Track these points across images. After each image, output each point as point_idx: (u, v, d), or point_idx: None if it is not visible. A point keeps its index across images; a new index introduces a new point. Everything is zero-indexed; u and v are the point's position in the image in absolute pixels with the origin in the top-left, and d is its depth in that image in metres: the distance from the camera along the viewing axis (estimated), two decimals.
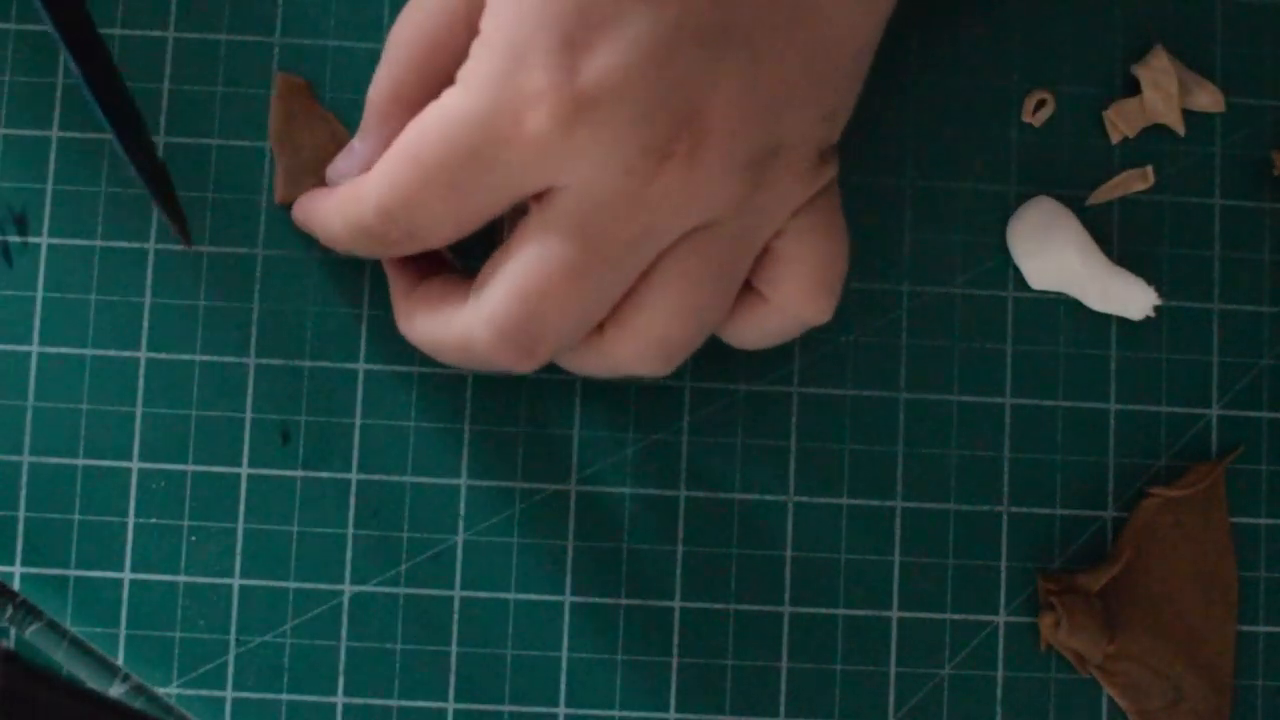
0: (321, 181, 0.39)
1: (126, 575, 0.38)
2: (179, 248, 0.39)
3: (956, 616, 0.39)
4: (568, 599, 0.39)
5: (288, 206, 0.39)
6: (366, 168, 0.35)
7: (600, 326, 0.34)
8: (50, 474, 0.38)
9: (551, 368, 0.39)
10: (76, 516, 0.38)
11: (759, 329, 0.35)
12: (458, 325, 0.34)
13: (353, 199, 0.34)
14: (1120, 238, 0.40)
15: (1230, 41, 0.41)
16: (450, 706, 0.38)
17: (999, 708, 0.39)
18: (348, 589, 0.38)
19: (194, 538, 0.38)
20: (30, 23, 0.39)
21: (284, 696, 0.38)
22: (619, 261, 0.32)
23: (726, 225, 0.32)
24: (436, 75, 0.33)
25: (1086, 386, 0.40)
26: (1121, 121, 0.40)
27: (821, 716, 0.38)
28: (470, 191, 0.32)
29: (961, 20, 0.41)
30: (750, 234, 0.33)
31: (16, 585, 0.38)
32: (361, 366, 0.39)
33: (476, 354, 0.34)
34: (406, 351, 0.39)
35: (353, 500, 0.39)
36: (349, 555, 0.38)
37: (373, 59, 0.39)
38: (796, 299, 0.34)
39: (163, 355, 0.39)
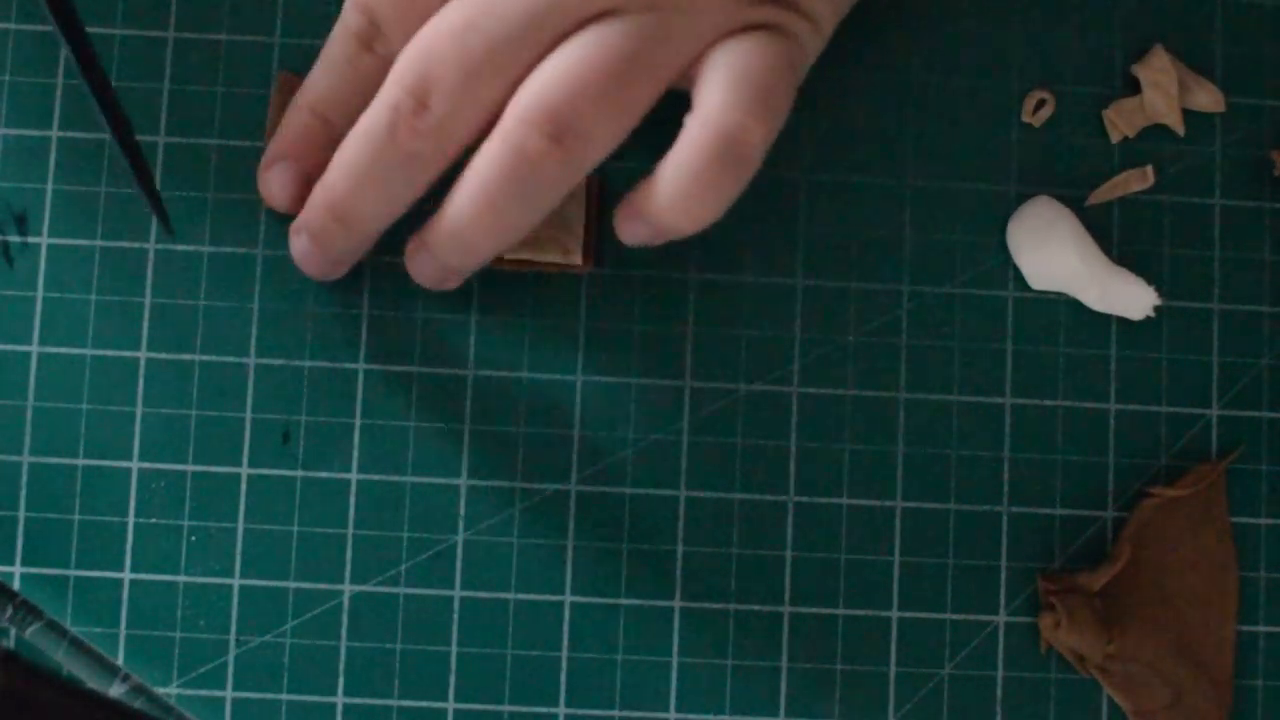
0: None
1: (126, 575, 0.38)
2: (179, 247, 0.39)
3: (956, 616, 0.39)
4: (568, 599, 0.39)
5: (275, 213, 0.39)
6: None
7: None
8: (50, 474, 0.38)
9: (550, 367, 0.39)
10: (76, 516, 0.38)
11: (686, 149, 0.33)
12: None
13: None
14: (1120, 238, 0.40)
15: (1230, 41, 0.41)
16: (450, 706, 0.38)
17: (999, 708, 0.39)
18: (348, 589, 0.38)
19: (194, 538, 0.38)
20: (30, 23, 0.39)
21: (284, 696, 0.38)
22: (514, 23, 0.32)
23: (636, 13, 0.33)
24: None
25: (1086, 386, 0.40)
26: (1121, 121, 0.40)
27: (821, 716, 0.38)
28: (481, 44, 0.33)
29: (961, 20, 0.41)
30: (663, 34, 0.33)
31: (16, 585, 0.38)
32: (361, 366, 0.39)
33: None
34: (407, 351, 0.39)
35: (353, 500, 0.39)
36: (349, 555, 0.38)
37: None
38: (717, 102, 0.33)
39: (163, 355, 0.39)
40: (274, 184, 0.37)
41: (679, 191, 0.33)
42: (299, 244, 0.37)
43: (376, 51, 0.35)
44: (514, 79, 0.33)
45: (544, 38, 0.33)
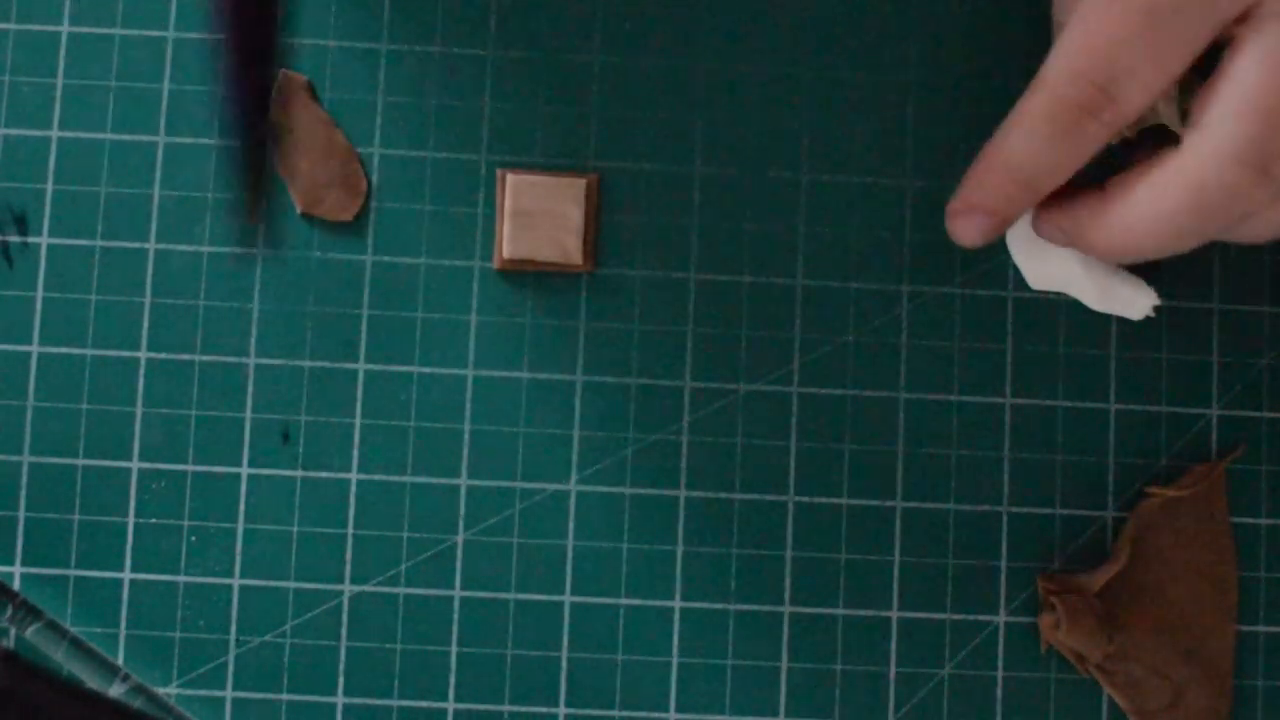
0: (312, 183, 0.39)
1: (126, 575, 0.38)
2: (179, 247, 0.39)
3: (956, 616, 0.39)
4: (568, 599, 0.39)
5: (276, 213, 0.39)
6: None
7: None
8: (50, 474, 0.38)
9: (550, 367, 0.39)
10: (76, 516, 0.38)
11: (1159, 185, 0.32)
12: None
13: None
14: None
15: None
16: (450, 706, 0.38)
17: (999, 708, 0.39)
18: (348, 589, 0.38)
19: (194, 538, 0.38)
20: (30, 23, 0.39)
21: (284, 696, 0.38)
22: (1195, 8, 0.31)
23: None
24: None
25: (1086, 386, 0.40)
26: None
27: (821, 716, 0.38)
28: (1169, 22, 0.31)
29: (961, 20, 0.41)
30: None
31: (16, 585, 0.38)
32: (361, 366, 0.39)
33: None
34: (405, 351, 0.39)
35: (353, 500, 0.39)
36: (349, 555, 0.38)
37: (373, 59, 0.39)
38: (1215, 142, 0.31)
39: (163, 355, 0.39)
40: (964, 229, 0.35)
41: (1133, 228, 0.33)
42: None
43: (1103, 120, 0.32)
44: (1194, 58, 0.32)
45: (1223, 17, 0.31)
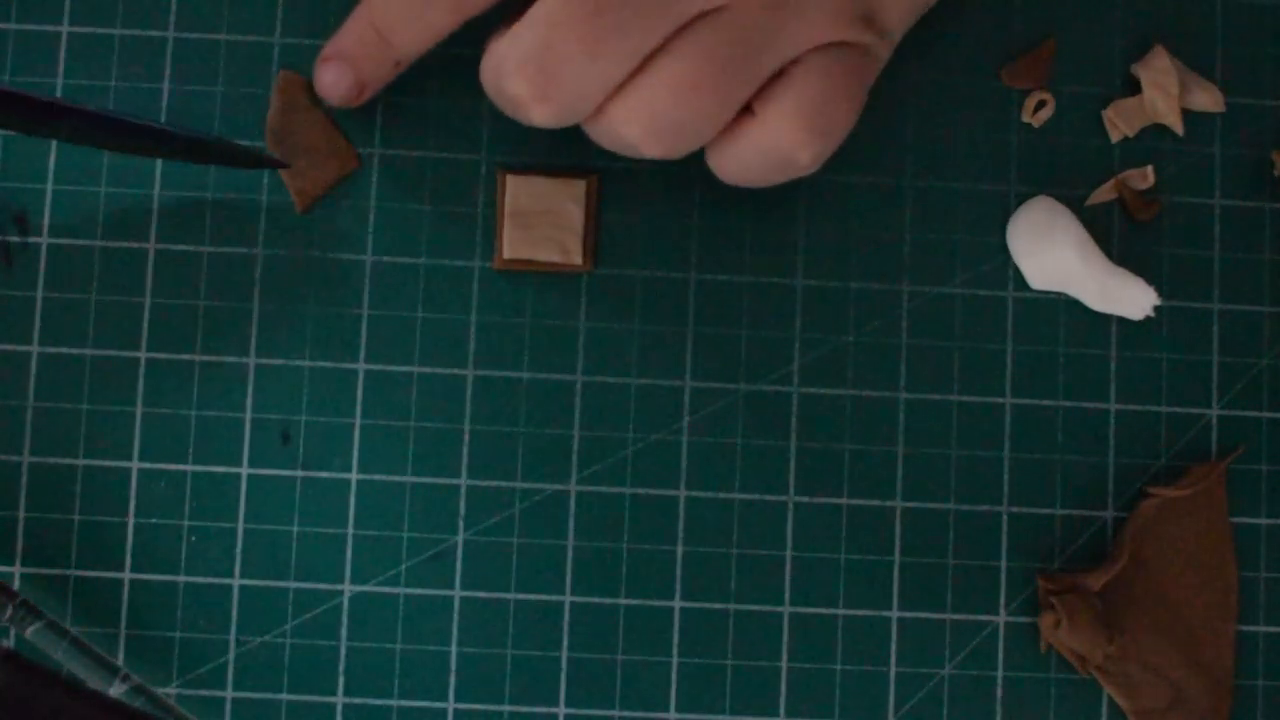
0: (312, 184, 0.39)
1: (126, 575, 0.38)
2: (179, 247, 0.39)
3: (956, 616, 0.39)
4: (568, 599, 0.39)
5: (274, 213, 0.39)
6: None
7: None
8: (50, 474, 0.38)
9: (550, 367, 0.39)
10: (76, 516, 0.38)
11: (740, 147, 0.35)
12: (491, 55, 0.35)
13: None
14: (1120, 238, 0.40)
15: (1230, 41, 0.41)
16: (450, 706, 0.38)
17: (999, 708, 0.39)
18: (348, 589, 0.38)
19: (194, 538, 0.38)
20: (30, 23, 0.39)
21: (284, 696, 0.38)
22: (634, 16, 0.33)
23: (743, 16, 0.33)
24: None
25: (1086, 386, 0.40)
26: (1121, 121, 0.40)
27: (821, 716, 0.38)
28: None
29: (962, 20, 0.41)
30: (766, 40, 0.34)
31: (16, 585, 0.38)
32: (361, 366, 0.39)
33: (504, 88, 0.35)
34: (407, 351, 0.39)
35: (353, 500, 0.39)
36: (349, 555, 0.38)
37: None
38: (780, 121, 0.35)
39: (163, 355, 0.39)
40: (327, 78, 0.38)
41: (732, 173, 0.36)
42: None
43: None
44: (631, 67, 0.34)
45: (660, 32, 0.34)
